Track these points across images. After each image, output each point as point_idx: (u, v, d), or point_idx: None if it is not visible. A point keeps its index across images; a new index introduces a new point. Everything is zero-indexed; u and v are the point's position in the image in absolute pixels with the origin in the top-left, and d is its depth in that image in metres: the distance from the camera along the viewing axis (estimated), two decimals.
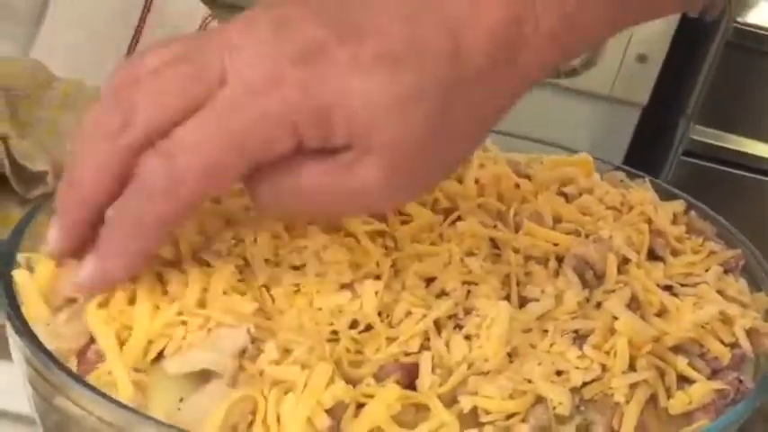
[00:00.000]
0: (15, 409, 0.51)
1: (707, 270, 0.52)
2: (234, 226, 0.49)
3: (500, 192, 0.55)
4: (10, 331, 0.44)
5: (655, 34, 0.96)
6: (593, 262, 0.51)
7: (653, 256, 0.53)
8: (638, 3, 0.47)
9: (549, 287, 0.49)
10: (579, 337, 0.47)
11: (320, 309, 0.46)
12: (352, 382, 0.43)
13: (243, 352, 0.43)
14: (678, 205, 0.57)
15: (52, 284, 0.46)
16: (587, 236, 0.52)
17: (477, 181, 0.55)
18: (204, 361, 0.43)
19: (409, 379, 0.44)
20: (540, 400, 0.43)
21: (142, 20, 0.81)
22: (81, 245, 0.44)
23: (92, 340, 0.44)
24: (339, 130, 0.41)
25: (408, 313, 0.46)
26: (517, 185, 0.55)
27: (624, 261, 0.51)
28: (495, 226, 0.52)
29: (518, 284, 0.49)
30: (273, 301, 0.46)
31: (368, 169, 0.41)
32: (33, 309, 0.45)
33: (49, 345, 0.44)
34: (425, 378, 0.44)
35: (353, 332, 0.45)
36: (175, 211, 0.42)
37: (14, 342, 0.45)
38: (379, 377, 0.44)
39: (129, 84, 0.42)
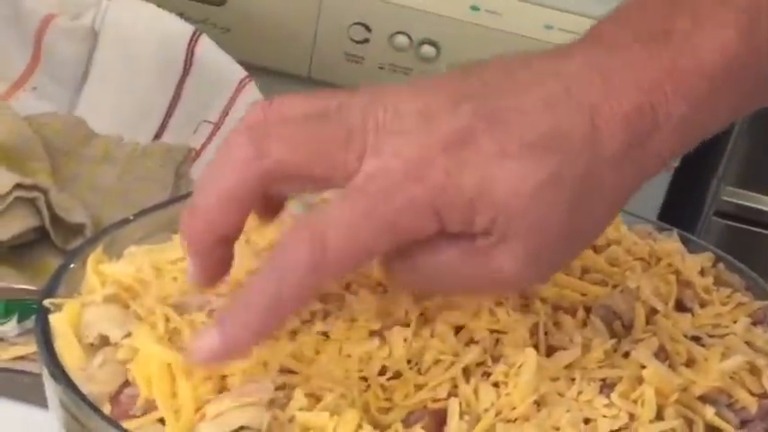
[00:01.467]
0: None
1: (735, 321, 0.52)
2: None
3: None
4: (45, 375, 0.45)
5: None
6: (620, 312, 0.51)
7: (681, 307, 0.53)
8: (764, 90, 0.48)
9: (576, 336, 0.49)
10: (607, 386, 0.47)
11: (349, 356, 0.47)
12: (381, 428, 0.43)
13: (272, 401, 0.44)
14: (706, 257, 0.57)
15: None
16: (615, 286, 0.52)
17: None
18: (241, 419, 0.44)
19: (437, 425, 0.45)
20: None
21: (181, 82, 0.83)
22: (213, 273, 0.45)
23: (125, 384, 0.46)
24: (482, 216, 0.42)
25: (437, 361, 0.47)
26: None
27: (652, 312, 0.51)
28: None
29: (546, 334, 0.49)
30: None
31: (505, 256, 0.42)
32: (68, 353, 0.47)
33: (84, 389, 0.45)
34: (453, 424, 0.44)
35: (382, 379, 0.46)
36: (315, 288, 0.42)
37: (50, 386, 0.46)
38: (408, 423, 0.44)
39: (263, 124, 0.43)
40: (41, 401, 0.47)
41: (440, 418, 0.45)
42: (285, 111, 0.44)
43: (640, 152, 0.44)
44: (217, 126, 0.81)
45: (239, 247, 0.52)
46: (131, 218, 0.53)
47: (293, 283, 0.41)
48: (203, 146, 0.79)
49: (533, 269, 0.43)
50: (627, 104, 0.43)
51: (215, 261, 0.45)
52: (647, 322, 0.51)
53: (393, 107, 0.43)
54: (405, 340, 0.47)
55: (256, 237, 0.53)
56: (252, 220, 0.53)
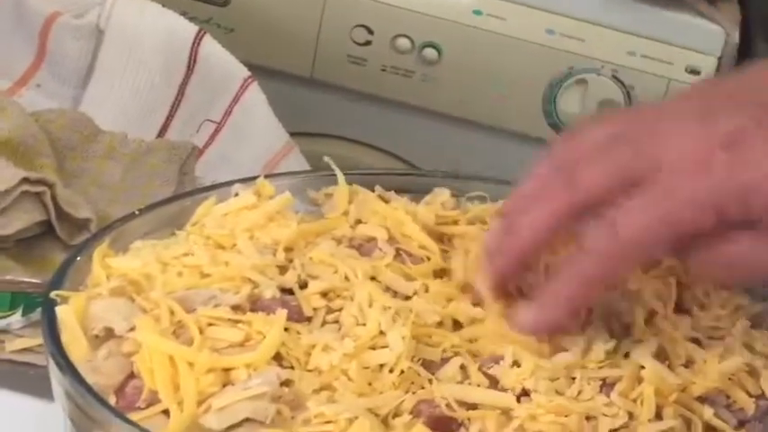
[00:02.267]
0: None
1: (734, 324, 0.53)
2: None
3: None
4: (52, 366, 0.46)
5: None
6: (620, 313, 0.51)
7: (680, 309, 0.53)
8: None
9: (578, 337, 0.49)
10: (606, 385, 0.47)
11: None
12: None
13: (279, 397, 0.45)
14: None
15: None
16: (615, 287, 0.53)
17: None
18: (246, 411, 0.44)
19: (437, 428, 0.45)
20: None
21: (185, 81, 0.83)
22: (503, 288, 0.50)
23: (131, 376, 0.46)
24: (758, 208, 0.46)
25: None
26: None
27: (652, 314, 0.52)
28: None
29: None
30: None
31: None
32: (74, 345, 0.47)
33: (89, 380, 0.45)
34: None
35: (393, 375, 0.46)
36: (611, 273, 0.49)
37: (56, 377, 0.46)
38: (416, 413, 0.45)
39: (571, 156, 0.49)
40: (46, 394, 0.48)
41: (441, 423, 0.45)
42: (592, 138, 0.49)
43: None
44: (219, 125, 0.81)
45: (244, 244, 0.53)
46: (137, 213, 0.53)
47: (595, 268, 0.48)
48: (206, 145, 0.79)
49: None
50: None
51: (513, 272, 0.51)
52: (647, 324, 0.51)
53: (674, 108, 0.51)
54: (403, 338, 0.47)
55: (260, 233, 0.53)
56: (257, 218, 0.54)
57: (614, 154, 0.48)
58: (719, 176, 0.46)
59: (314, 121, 1.02)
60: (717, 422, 0.47)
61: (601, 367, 0.48)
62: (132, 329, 0.47)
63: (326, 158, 0.58)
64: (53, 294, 0.48)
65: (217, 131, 0.81)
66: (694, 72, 0.96)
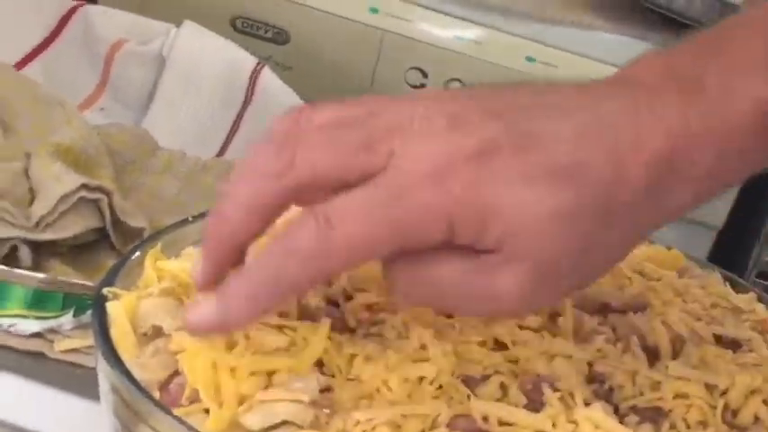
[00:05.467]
0: None
1: None
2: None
3: None
4: (100, 360, 0.47)
5: None
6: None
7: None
8: None
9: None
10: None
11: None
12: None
13: (315, 402, 0.46)
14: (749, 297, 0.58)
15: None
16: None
17: None
18: (285, 413, 0.45)
19: None
20: None
21: (242, 110, 0.86)
22: (218, 278, 0.44)
23: (175, 373, 0.47)
24: (492, 232, 0.42)
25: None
26: None
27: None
28: None
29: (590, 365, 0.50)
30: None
31: (508, 277, 0.42)
32: (122, 341, 0.48)
33: (136, 375, 0.46)
34: None
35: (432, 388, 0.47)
36: (315, 278, 0.43)
37: (103, 372, 0.47)
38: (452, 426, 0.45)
39: (294, 133, 0.43)
40: (92, 394, 0.49)
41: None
42: (315, 119, 0.43)
43: (661, 196, 0.44)
44: None
45: None
46: (190, 219, 0.54)
47: (295, 265, 0.41)
48: (221, 149, 0.81)
49: (534, 296, 0.43)
50: (653, 148, 0.43)
51: (227, 265, 0.45)
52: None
53: (424, 107, 0.43)
54: (445, 353, 0.48)
55: None
56: None
57: (344, 137, 0.42)
58: (461, 190, 0.41)
59: None
60: None
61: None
62: (180, 329, 0.48)
63: None
64: (105, 291, 0.49)
65: (229, 140, 0.83)
66: None
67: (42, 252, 0.60)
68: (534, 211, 0.42)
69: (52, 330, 0.56)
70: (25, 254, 0.58)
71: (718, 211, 0.98)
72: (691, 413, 0.47)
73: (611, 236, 0.44)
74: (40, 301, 0.56)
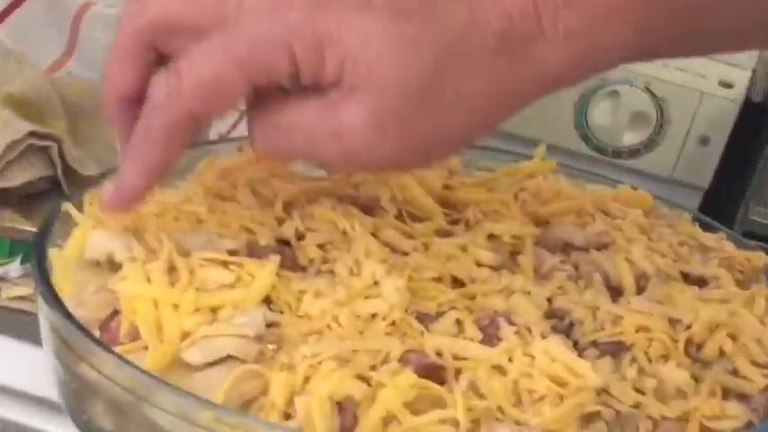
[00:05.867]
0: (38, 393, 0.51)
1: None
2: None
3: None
4: (39, 301, 0.45)
5: (717, 116, 0.96)
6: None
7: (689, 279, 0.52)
8: (683, 31, 0.46)
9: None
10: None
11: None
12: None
13: (261, 337, 0.44)
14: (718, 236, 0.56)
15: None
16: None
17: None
18: (228, 348, 0.43)
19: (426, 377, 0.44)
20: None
21: None
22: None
23: (116, 312, 0.45)
24: (331, 60, 0.42)
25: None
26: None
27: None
28: None
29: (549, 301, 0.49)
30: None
31: (352, 108, 0.42)
32: (62, 282, 0.46)
33: (76, 313, 0.44)
34: None
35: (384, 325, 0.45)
36: (178, 122, 0.44)
37: (42, 311, 0.45)
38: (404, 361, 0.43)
39: None
40: (39, 341, 0.47)
41: (429, 371, 0.44)
42: None
43: (519, 53, 0.43)
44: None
45: (243, 195, 0.52)
46: None
47: (157, 116, 0.44)
48: (234, 125, 0.79)
49: (378, 134, 0.43)
50: (510, 5, 0.43)
51: (127, 121, 0.46)
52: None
53: None
54: (397, 289, 0.46)
55: (261, 187, 0.52)
56: (259, 173, 0.54)
57: None
58: (297, 18, 0.42)
59: None
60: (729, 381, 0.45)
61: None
62: (132, 259, 0.46)
63: None
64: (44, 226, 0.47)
65: (242, 117, 0.81)
66: (727, 85, 0.94)
67: None
68: (373, 40, 0.42)
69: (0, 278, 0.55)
70: None
71: (704, 171, 0.97)
72: (653, 347, 0.46)
73: (468, 85, 0.43)
74: None
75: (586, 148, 0.96)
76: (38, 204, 0.59)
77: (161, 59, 0.45)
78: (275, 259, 0.46)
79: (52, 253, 0.48)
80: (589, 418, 0.43)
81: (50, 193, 0.60)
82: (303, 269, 0.48)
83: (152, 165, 0.45)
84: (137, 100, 0.45)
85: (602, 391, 0.43)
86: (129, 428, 0.43)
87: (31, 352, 0.51)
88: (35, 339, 0.48)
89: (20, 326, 0.53)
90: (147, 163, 0.45)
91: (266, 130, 0.45)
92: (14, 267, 0.55)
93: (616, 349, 0.46)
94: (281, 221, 0.50)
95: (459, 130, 0.45)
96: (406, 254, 0.50)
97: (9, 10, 0.86)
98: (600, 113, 0.96)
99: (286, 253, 0.48)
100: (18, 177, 0.57)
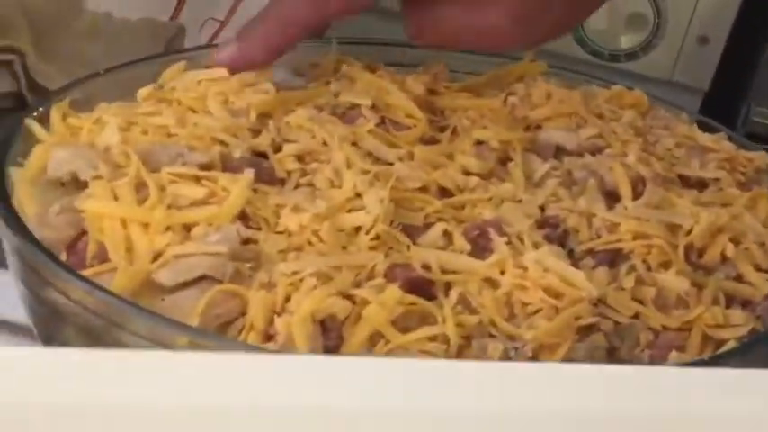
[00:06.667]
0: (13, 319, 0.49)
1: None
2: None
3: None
4: (2, 223, 0.43)
5: (717, 14, 0.93)
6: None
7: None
8: None
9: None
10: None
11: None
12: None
13: (236, 253, 0.41)
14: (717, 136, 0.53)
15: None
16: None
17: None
18: (202, 267, 0.41)
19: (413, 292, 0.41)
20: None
21: None
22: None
23: (83, 233, 0.43)
24: None
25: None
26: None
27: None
28: None
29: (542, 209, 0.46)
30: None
31: (494, 11, 0.50)
32: (25, 202, 0.44)
33: (39, 235, 0.42)
34: None
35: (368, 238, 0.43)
36: (316, 18, 0.50)
37: (5, 235, 0.43)
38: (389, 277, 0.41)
39: None
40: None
41: (416, 286, 0.41)
42: None
43: None
44: (223, 24, 0.78)
45: (215, 106, 0.49)
46: (101, 72, 0.50)
47: (296, 13, 0.50)
48: (209, 41, 0.76)
49: (516, 31, 0.50)
50: None
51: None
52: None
53: None
54: (381, 200, 0.43)
55: (235, 98, 0.49)
56: (231, 84, 0.51)
57: None
58: None
59: None
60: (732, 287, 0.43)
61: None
62: (97, 177, 0.43)
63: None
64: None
65: (220, 29, 0.78)
66: None
67: None
68: None
69: None
70: None
71: (704, 73, 0.94)
72: (652, 254, 0.43)
73: None
74: None
75: (583, 52, 0.93)
76: (3, 123, 0.56)
77: None
78: (249, 172, 0.44)
79: (13, 172, 0.45)
80: (586, 331, 0.41)
81: (17, 111, 0.57)
82: (281, 182, 0.46)
83: (275, 46, 0.51)
84: None
85: (600, 302, 0.41)
86: None
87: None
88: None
89: None
90: (271, 44, 0.51)
91: (421, 23, 0.52)
92: None
93: (613, 258, 0.43)
94: (255, 133, 0.48)
95: (571, 20, 0.56)
96: (389, 164, 0.47)
97: None
98: (595, 17, 0.92)
99: (262, 165, 0.46)
100: None
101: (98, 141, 0.46)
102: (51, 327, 0.43)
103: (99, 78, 0.50)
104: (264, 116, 0.49)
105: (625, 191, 0.46)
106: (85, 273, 0.41)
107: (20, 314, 0.45)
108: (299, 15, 0.50)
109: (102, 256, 0.41)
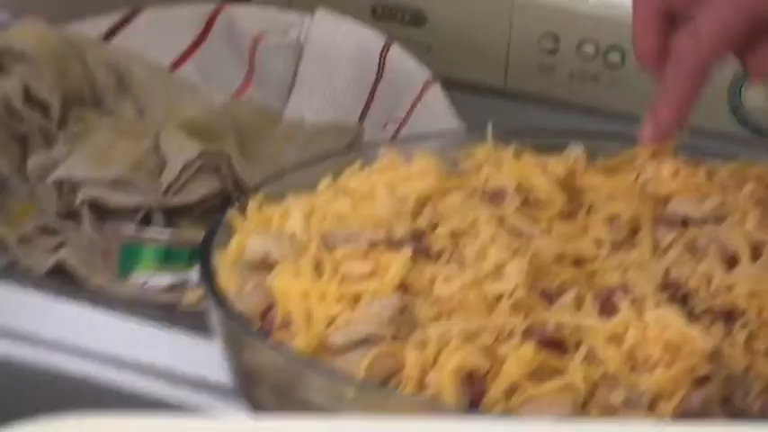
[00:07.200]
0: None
1: None
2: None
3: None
4: (209, 299, 0.52)
5: None
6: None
7: None
8: None
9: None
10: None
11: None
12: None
13: (393, 319, 0.49)
14: None
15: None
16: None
17: None
18: (366, 329, 0.49)
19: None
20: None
21: (374, 86, 0.90)
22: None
23: (272, 304, 0.52)
24: None
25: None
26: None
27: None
28: None
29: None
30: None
31: None
32: (227, 281, 0.53)
33: (238, 307, 0.51)
34: None
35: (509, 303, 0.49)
36: (700, 67, 0.58)
37: (212, 308, 0.52)
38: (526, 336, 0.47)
39: None
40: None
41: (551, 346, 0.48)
42: None
43: None
44: (403, 122, 0.87)
45: (381, 194, 0.57)
46: (290, 169, 0.59)
47: (685, 67, 0.58)
48: (391, 138, 0.85)
49: None
50: None
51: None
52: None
53: None
54: (521, 269, 0.50)
55: (399, 187, 0.58)
56: (398, 175, 0.59)
57: None
58: None
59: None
60: None
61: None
62: (284, 258, 0.53)
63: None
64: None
65: (401, 127, 0.87)
66: None
67: (175, 218, 0.66)
68: None
69: (180, 285, 0.62)
70: (158, 220, 0.65)
71: None
72: (765, 312, 0.48)
73: None
74: (168, 257, 0.62)
75: (744, 131, 0.96)
76: (212, 218, 0.66)
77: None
78: (408, 250, 0.52)
79: (218, 256, 0.55)
80: (701, 382, 0.46)
81: (226, 206, 0.67)
82: (437, 257, 0.53)
83: (682, 103, 0.59)
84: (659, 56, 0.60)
85: (715, 355, 0.46)
86: (289, 408, 0.49)
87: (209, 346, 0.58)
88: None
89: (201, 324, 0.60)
90: (678, 102, 0.59)
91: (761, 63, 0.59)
92: (194, 274, 0.63)
93: (729, 315, 0.48)
94: (415, 215, 0.56)
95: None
96: (530, 238, 0.54)
97: (193, 47, 0.95)
98: (754, 94, 0.95)
99: (420, 243, 0.54)
100: (195, 193, 0.65)
101: (286, 227, 0.55)
102: (248, 387, 0.52)
103: (287, 175, 0.60)
104: (423, 200, 0.57)
105: (744, 254, 0.51)
106: (274, 337, 0.50)
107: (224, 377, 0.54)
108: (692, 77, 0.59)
109: (288, 323, 0.50)
